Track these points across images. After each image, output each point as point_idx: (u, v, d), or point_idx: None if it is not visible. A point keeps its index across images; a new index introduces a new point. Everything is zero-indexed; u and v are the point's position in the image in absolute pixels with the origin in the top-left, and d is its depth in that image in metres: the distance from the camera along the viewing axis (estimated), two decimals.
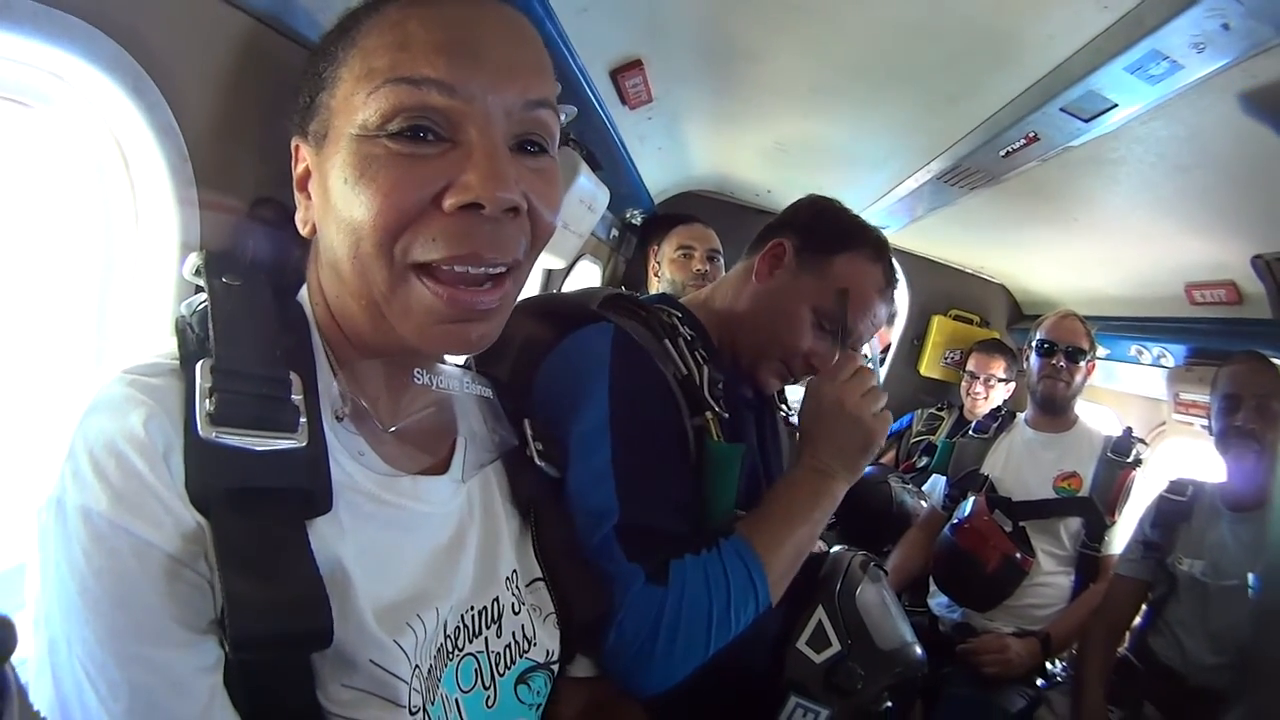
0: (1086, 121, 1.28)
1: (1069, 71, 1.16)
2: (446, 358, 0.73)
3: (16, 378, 0.73)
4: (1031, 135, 1.42)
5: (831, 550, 1.15)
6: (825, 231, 1.11)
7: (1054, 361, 2.02)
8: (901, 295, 3.28)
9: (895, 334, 3.35)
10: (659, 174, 2.47)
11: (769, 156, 2.18)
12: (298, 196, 0.60)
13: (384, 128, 0.51)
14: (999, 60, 1.24)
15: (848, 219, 1.14)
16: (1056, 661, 1.94)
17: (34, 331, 0.73)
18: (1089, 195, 1.74)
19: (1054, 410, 2.08)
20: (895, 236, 2.71)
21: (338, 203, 0.53)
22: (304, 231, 0.60)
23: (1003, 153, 1.54)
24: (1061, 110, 1.27)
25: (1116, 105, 1.19)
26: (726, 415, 0.97)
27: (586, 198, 1.66)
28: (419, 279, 0.53)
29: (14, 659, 0.35)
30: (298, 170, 0.59)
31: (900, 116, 1.65)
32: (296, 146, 0.59)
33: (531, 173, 0.56)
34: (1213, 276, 1.80)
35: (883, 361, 3.39)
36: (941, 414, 3.02)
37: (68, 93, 0.65)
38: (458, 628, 0.61)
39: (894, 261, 1.14)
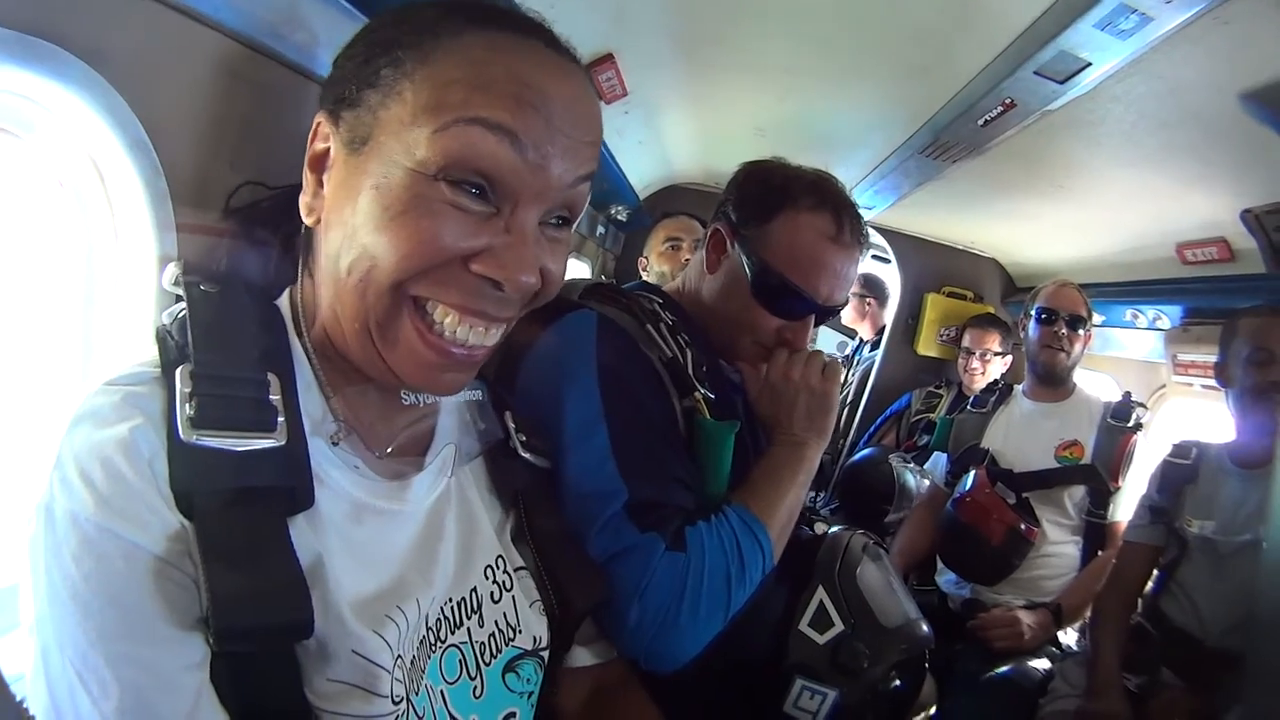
0: (1062, 83, 1.27)
1: (1039, 32, 1.15)
2: None
3: (6, 393, 0.73)
4: (1008, 101, 1.41)
5: (830, 531, 1.15)
6: (757, 198, 1.08)
7: (1055, 330, 2.02)
8: (893, 275, 3.28)
9: (889, 315, 3.35)
10: (641, 168, 2.47)
11: (750, 143, 2.17)
12: (308, 176, 0.59)
13: (446, 173, 0.52)
14: (967, 26, 1.24)
15: (778, 176, 1.09)
16: (1069, 631, 1.93)
17: (23, 346, 0.74)
18: (1073, 160, 1.74)
19: (1054, 380, 2.08)
20: (884, 216, 2.74)
21: (364, 221, 0.53)
22: (309, 220, 0.59)
23: (981, 121, 1.53)
24: (1035, 74, 1.26)
25: (1090, 64, 1.19)
26: (713, 396, 0.97)
27: None
28: (410, 318, 0.55)
29: (9, 674, 0.36)
30: (315, 147, 0.58)
31: (875, 91, 1.65)
32: (319, 124, 0.58)
33: (550, 246, 0.58)
34: (1203, 234, 1.79)
35: (877, 344, 3.40)
36: (940, 392, 3.01)
37: (42, 115, 0.66)
38: (439, 620, 0.62)
39: (847, 201, 1.08)
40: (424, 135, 0.51)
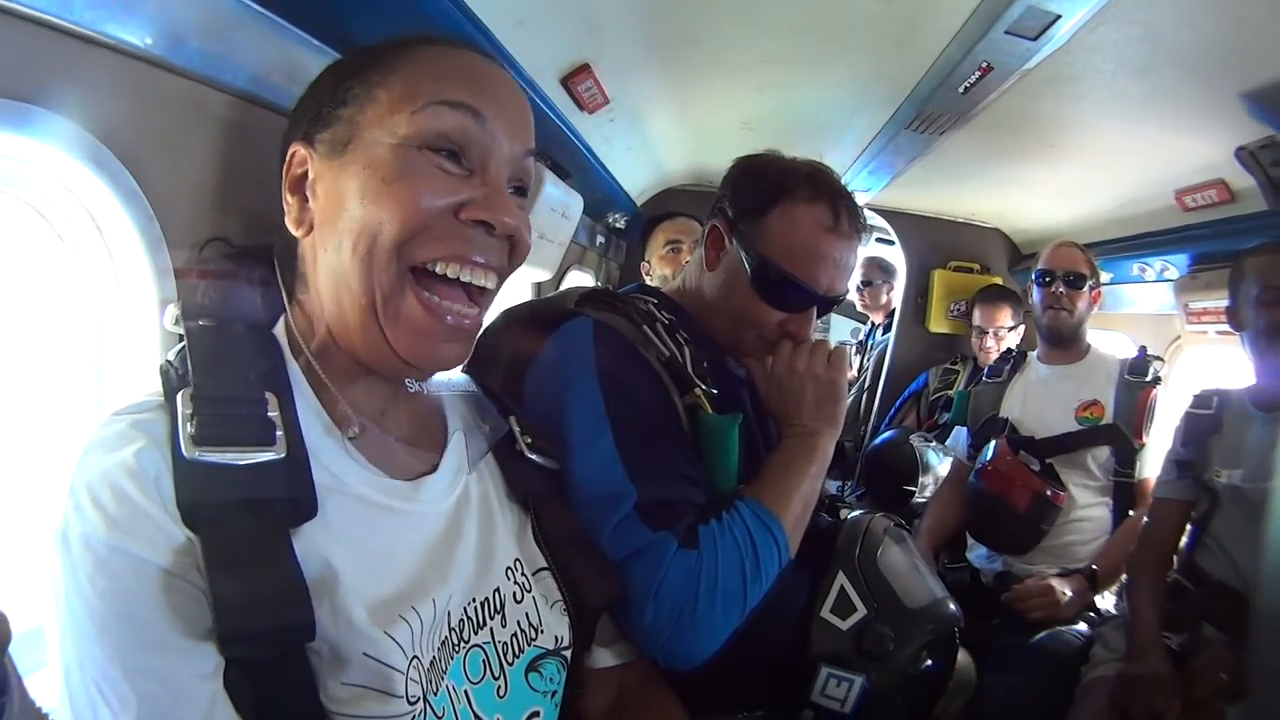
0: (1034, 40, 1.27)
1: None
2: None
3: (27, 431, 0.78)
4: (985, 65, 1.41)
5: (848, 516, 1.14)
6: (753, 193, 1.09)
7: (1054, 290, 1.99)
8: (898, 255, 3.26)
9: (897, 296, 3.33)
10: (634, 175, 2.49)
11: (738, 138, 2.17)
12: (289, 199, 0.64)
13: (426, 143, 0.60)
14: None
15: (773, 170, 1.10)
16: (1107, 595, 1.89)
17: (37, 390, 0.79)
18: (1060, 118, 1.72)
19: (1061, 341, 2.05)
20: (881, 196, 2.73)
21: (362, 198, 0.59)
22: (298, 232, 0.64)
23: (961, 89, 1.53)
24: (1007, 33, 1.26)
25: (1060, 16, 1.18)
26: (715, 391, 0.98)
27: (558, 206, 1.69)
28: (413, 290, 0.61)
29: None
30: (293, 173, 0.64)
31: (853, 72, 1.65)
32: (294, 152, 0.63)
33: (518, 209, 0.66)
34: (1201, 178, 1.76)
35: (889, 327, 3.37)
36: (956, 368, 2.98)
37: (37, 174, 0.69)
38: (461, 620, 0.64)
39: (843, 190, 1.08)
40: (404, 117, 0.60)
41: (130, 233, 0.74)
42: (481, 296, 0.66)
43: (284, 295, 0.66)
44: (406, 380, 0.70)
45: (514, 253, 0.67)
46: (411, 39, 0.66)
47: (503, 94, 0.65)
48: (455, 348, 0.64)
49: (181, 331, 0.61)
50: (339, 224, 0.60)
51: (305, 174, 0.63)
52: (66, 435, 0.76)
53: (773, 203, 1.06)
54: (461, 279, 0.62)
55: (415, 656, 0.57)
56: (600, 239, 2.70)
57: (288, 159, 0.64)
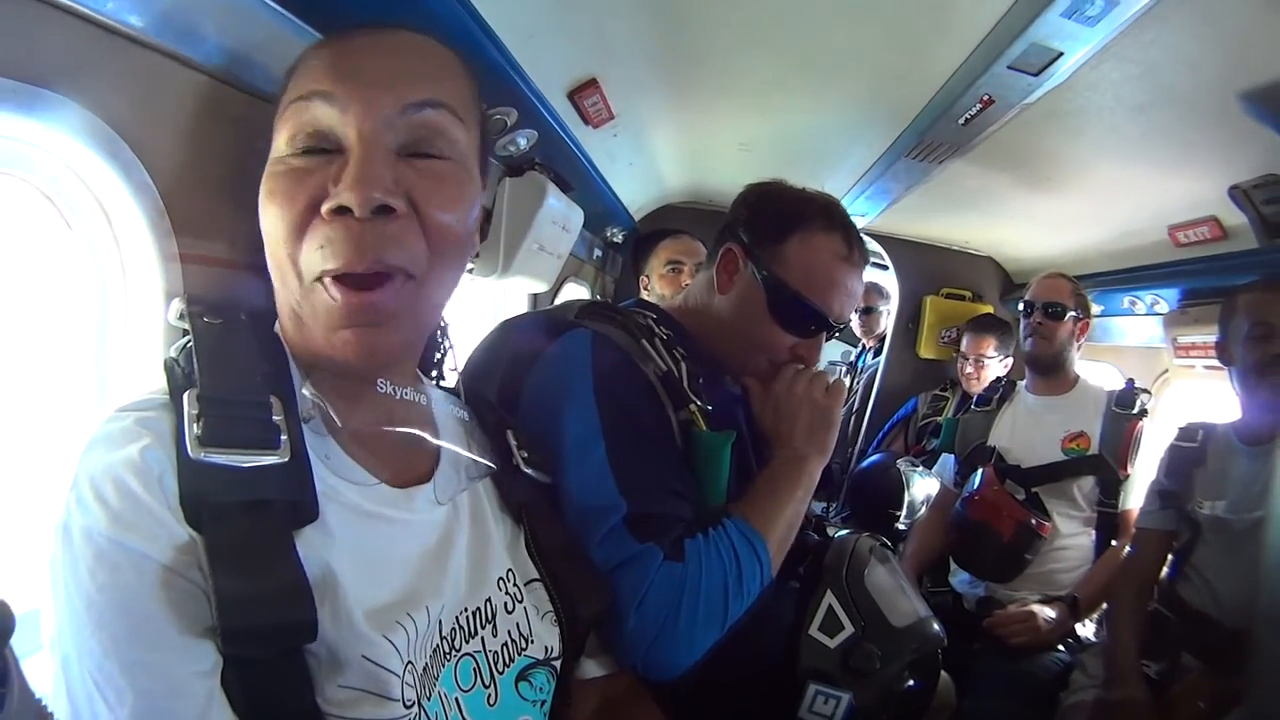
0: (1036, 75, 1.30)
1: (1009, 27, 1.18)
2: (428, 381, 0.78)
3: (25, 420, 0.77)
4: (986, 98, 1.44)
5: (836, 535, 1.15)
6: (770, 221, 1.12)
7: (1034, 320, 2.04)
8: (891, 281, 3.30)
9: (889, 321, 3.36)
10: (634, 190, 2.50)
11: (738, 159, 2.21)
12: None
13: (289, 149, 0.60)
14: (939, 28, 1.27)
15: (789, 199, 1.14)
16: (1087, 623, 1.91)
17: (38, 377, 0.78)
18: (1057, 152, 1.76)
19: (1042, 369, 2.09)
20: (877, 222, 2.76)
21: (263, 222, 0.61)
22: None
23: (962, 120, 1.56)
24: (1010, 68, 1.29)
25: (1062, 54, 1.21)
26: (709, 407, 0.99)
27: (559, 219, 1.69)
28: (323, 287, 0.58)
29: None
30: None
31: (855, 99, 1.68)
32: None
33: (419, 174, 0.60)
34: (1194, 215, 1.80)
35: (879, 350, 3.40)
36: (945, 394, 3.01)
37: (50, 161, 0.69)
38: (453, 629, 0.64)
39: (853, 223, 1.13)
40: (279, 132, 0.61)
41: (139, 224, 0.73)
42: (388, 281, 0.58)
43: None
44: (379, 382, 0.66)
45: (429, 236, 0.59)
46: (301, 62, 0.65)
47: (366, 60, 0.60)
48: (374, 335, 0.59)
49: (186, 327, 0.62)
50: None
51: None
52: (65, 424, 0.75)
53: (791, 231, 1.09)
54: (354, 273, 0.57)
55: (410, 662, 0.58)
56: (598, 252, 2.71)
57: None
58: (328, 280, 0.57)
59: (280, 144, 0.60)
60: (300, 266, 0.58)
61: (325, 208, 0.56)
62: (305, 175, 0.58)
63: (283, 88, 0.64)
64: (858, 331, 3.69)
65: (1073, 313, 2.05)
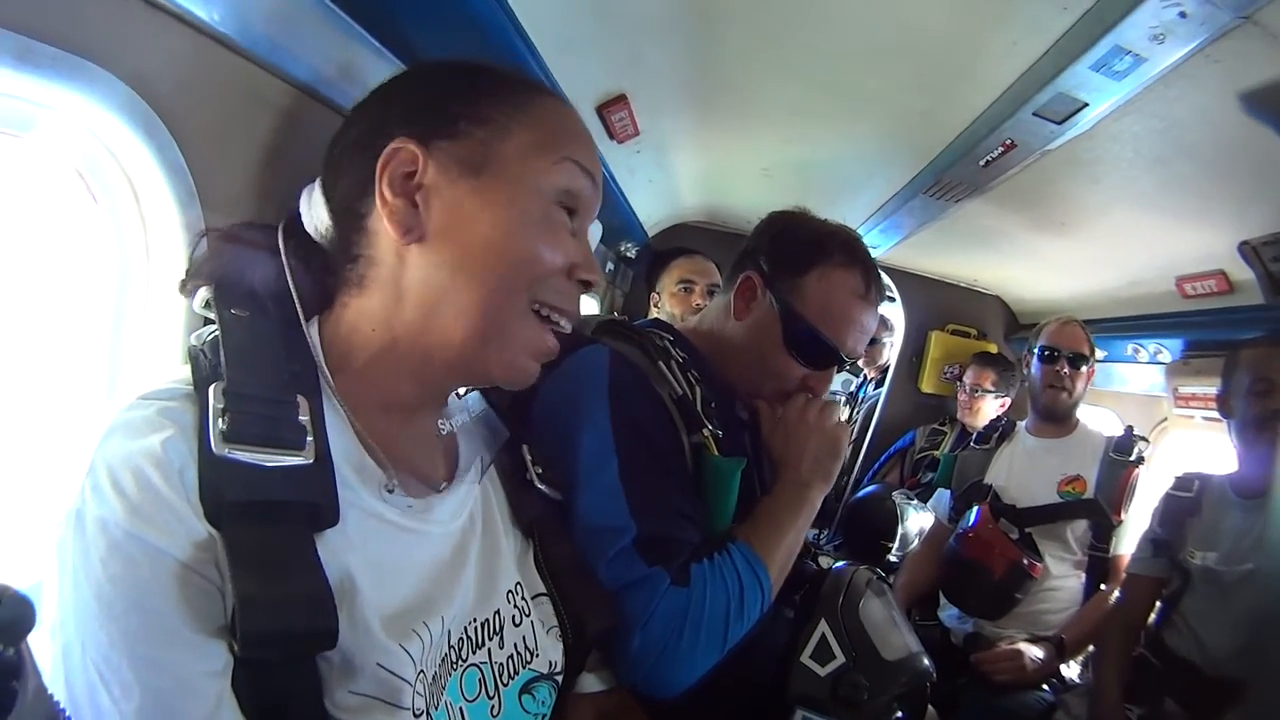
0: (1060, 124, 1.32)
1: (1037, 75, 1.20)
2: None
3: (32, 402, 0.75)
4: (1008, 143, 1.46)
5: (834, 566, 1.16)
6: (791, 252, 1.11)
7: (1057, 369, 2.03)
8: (898, 313, 3.31)
9: (894, 353, 3.37)
10: (651, 206, 2.52)
11: (756, 183, 2.23)
12: (395, 201, 0.60)
13: (559, 198, 0.65)
14: (967, 72, 1.29)
15: (812, 231, 1.13)
16: (1072, 665, 1.92)
17: (50, 357, 0.76)
18: (1072, 197, 1.78)
19: (1057, 418, 2.09)
20: (888, 254, 2.78)
21: (505, 235, 0.61)
22: (407, 238, 0.61)
23: (982, 162, 1.58)
24: (1034, 115, 1.31)
25: (1087, 105, 1.23)
26: (721, 433, 1.00)
27: None
28: (538, 323, 0.65)
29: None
30: (397, 169, 0.60)
31: (878, 134, 1.70)
32: (399, 148, 0.60)
33: None
34: (1202, 267, 1.82)
35: (882, 382, 3.41)
36: (944, 429, 3.02)
37: (83, 133, 0.68)
38: (461, 639, 0.64)
39: (873, 261, 1.13)
40: (544, 165, 0.64)
41: (169, 204, 0.72)
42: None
43: (339, 294, 0.65)
44: (439, 424, 0.73)
45: None
46: (527, 80, 0.69)
47: (593, 153, 0.70)
48: (538, 370, 0.69)
49: (212, 316, 0.59)
50: (462, 244, 0.61)
51: (412, 175, 0.61)
52: (74, 409, 0.74)
53: (812, 264, 1.09)
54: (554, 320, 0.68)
55: (422, 671, 0.57)
56: (610, 266, 2.72)
57: (389, 152, 0.60)
58: (545, 313, 0.66)
59: (551, 183, 0.64)
60: (529, 291, 0.63)
61: (580, 278, 0.67)
62: (567, 235, 0.66)
63: (512, 89, 0.66)
64: (860, 362, 3.70)
65: (1090, 360, 2.06)
